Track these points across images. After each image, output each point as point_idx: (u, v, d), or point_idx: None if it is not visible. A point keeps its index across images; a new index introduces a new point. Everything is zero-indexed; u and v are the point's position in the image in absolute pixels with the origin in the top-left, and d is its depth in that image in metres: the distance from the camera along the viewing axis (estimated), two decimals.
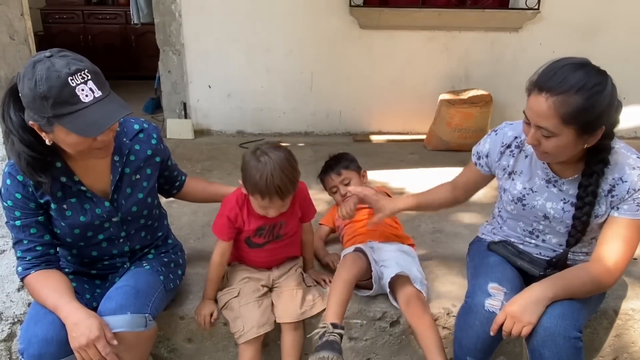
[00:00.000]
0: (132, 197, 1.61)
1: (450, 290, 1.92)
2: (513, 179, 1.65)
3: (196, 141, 4.26)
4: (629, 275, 2.00)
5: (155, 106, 5.16)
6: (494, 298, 1.53)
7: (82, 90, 1.27)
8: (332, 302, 1.71)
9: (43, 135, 1.34)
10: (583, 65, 1.36)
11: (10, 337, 1.84)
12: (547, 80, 1.35)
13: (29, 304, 1.79)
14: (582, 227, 1.53)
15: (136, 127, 1.63)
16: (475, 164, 1.75)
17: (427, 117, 4.14)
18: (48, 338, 1.39)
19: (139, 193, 1.62)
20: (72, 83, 1.25)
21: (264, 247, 1.81)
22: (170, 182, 1.84)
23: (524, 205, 1.63)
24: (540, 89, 1.36)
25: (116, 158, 1.56)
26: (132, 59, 6.59)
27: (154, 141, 1.65)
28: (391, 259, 1.84)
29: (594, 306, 1.62)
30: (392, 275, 1.73)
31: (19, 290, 1.79)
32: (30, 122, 1.32)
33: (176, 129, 4.29)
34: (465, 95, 4.01)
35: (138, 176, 1.62)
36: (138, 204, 1.62)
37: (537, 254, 1.68)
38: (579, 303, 1.46)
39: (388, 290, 1.76)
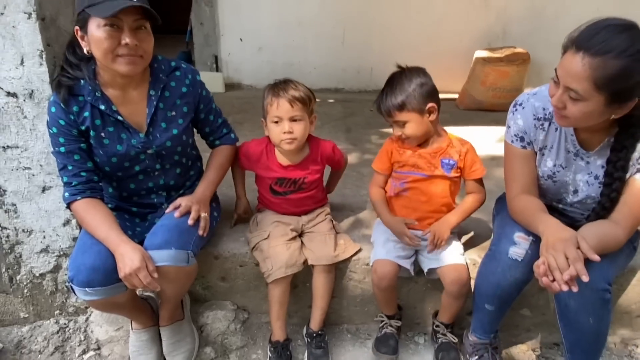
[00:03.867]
0: (167, 132, 1.67)
1: (476, 243, 1.95)
2: (544, 154, 1.58)
3: (227, 94, 4.30)
4: None
5: (187, 59, 5.18)
6: (519, 246, 1.53)
7: None
8: (380, 303, 1.84)
9: (83, 43, 1.49)
10: (629, 28, 1.25)
11: (56, 268, 1.96)
12: (587, 40, 1.25)
13: (74, 238, 1.90)
14: (610, 204, 1.46)
15: (173, 64, 1.69)
16: (524, 147, 1.58)
17: (461, 76, 4.06)
18: (95, 266, 1.48)
19: (174, 129, 1.68)
20: None
21: (288, 197, 1.87)
22: (212, 132, 1.86)
23: (554, 181, 1.60)
24: (578, 47, 1.26)
25: (152, 92, 1.63)
26: (163, 13, 6.56)
27: (188, 81, 1.69)
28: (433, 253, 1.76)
29: (623, 262, 1.61)
30: (432, 269, 1.74)
31: (64, 224, 1.90)
32: (75, 28, 1.48)
33: (207, 82, 4.20)
34: (502, 53, 3.90)
35: (174, 113, 1.68)
36: (172, 139, 1.68)
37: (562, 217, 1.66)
38: (608, 256, 1.43)
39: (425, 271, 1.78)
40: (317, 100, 1.85)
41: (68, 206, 1.61)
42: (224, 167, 1.87)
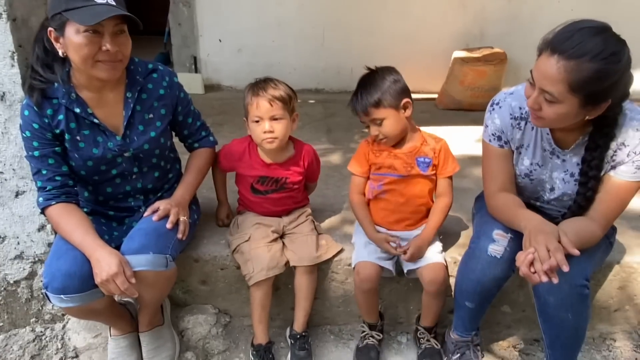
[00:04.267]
0: (144, 135, 1.64)
1: (456, 240, 1.96)
2: (520, 153, 1.59)
3: (206, 96, 4.25)
4: (634, 229, 2.02)
5: (165, 61, 5.11)
6: (498, 244, 1.55)
7: None
8: (362, 309, 1.83)
9: (58, 45, 1.44)
10: (603, 31, 1.26)
11: (31, 275, 1.92)
12: (561, 42, 1.26)
13: (49, 244, 1.86)
14: (586, 203, 1.49)
15: (150, 66, 1.66)
16: (502, 146, 1.59)
17: (439, 76, 4.09)
18: (71, 272, 1.44)
19: (152, 132, 1.66)
20: None
21: (268, 196, 1.85)
22: (191, 135, 1.84)
23: (531, 179, 1.62)
24: (553, 50, 1.27)
25: (129, 94, 1.60)
26: (141, 14, 6.48)
27: (165, 82, 1.67)
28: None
29: (600, 257, 1.65)
30: (411, 270, 1.75)
31: (39, 230, 1.85)
32: (49, 29, 1.42)
33: (186, 84, 4.18)
34: (480, 53, 3.95)
35: (151, 115, 1.65)
36: (150, 142, 1.65)
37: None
38: (586, 252, 1.45)
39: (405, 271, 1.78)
40: (298, 101, 1.84)
41: (42, 211, 1.57)
42: (203, 170, 1.84)
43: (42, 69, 1.49)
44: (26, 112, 1.51)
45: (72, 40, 1.40)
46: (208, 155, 1.87)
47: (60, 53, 1.45)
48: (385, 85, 1.62)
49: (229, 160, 1.88)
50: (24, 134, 1.53)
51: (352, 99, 1.68)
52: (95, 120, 1.56)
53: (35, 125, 1.51)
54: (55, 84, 1.51)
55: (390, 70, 1.67)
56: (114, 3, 1.41)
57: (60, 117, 1.52)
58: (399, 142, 1.72)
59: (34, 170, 1.56)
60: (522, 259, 1.33)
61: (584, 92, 1.28)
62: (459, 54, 4.00)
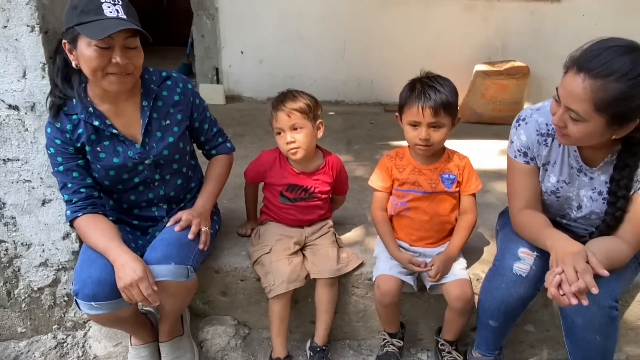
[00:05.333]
0: (162, 141, 1.66)
1: (479, 257, 1.93)
2: (547, 170, 1.57)
3: (227, 107, 4.30)
4: None
5: (187, 72, 5.21)
6: (523, 262, 1.52)
7: (109, 7, 1.41)
8: (382, 320, 1.81)
9: (72, 57, 1.47)
10: (632, 50, 1.24)
11: (55, 282, 1.94)
12: (588, 61, 1.24)
13: (74, 252, 1.88)
14: (615, 222, 1.46)
15: (164, 74, 1.69)
16: (528, 163, 1.57)
17: (461, 89, 4.00)
18: (101, 279, 1.46)
19: (170, 137, 1.67)
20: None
21: (296, 204, 1.87)
22: (207, 141, 1.85)
23: (558, 197, 1.59)
24: (580, 68, 1.25)
25: (144, 103, 1.63)
26: (164, 25, 6.63)
27: (179, 89, 1.69)
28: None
29: (629, 278, 1.60)
30: (434, 286, 1.72)
31: (64, 238, 1.88)
32: (64, 41, 1.47)
33: (208, 94, 4.32)
34: (502, 67, 3.93)
35: (168, 121, 1.68)
36: (169, 147, 1.67)
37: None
38: (614, 273, 1.42)
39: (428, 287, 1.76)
40: (321, 110, 1.85)
41: (71, 224, 1.60)
42: (222, 178, 1.86)
43: (62, 82, 1.54)
44: (49, 130, 1.56)
45: (84, 53, 1.43)
46: (226, 162, 1.88)
47: (74, 65, 1.49)
48: (453, 92, 1.59)
49: (258, 172, 1.90)
50: (49, 151, 1.57)
51: (419, 95, 1.56)
52: (115, 131, 1.59)
53: (58, 141, 1.55)
54: (74, 100, 1.54)
55: (449, 81, 1.61)
56: (124, 16, 1.42)
57: (80, 130, 1.56)
58: (429, 156, 1.70)
59: (60, 185, 1.59)
60: (550, 279, 1.30)
61: (610, 112, 1.25)
62: (481, 67, 3.98)
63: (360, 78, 4.39)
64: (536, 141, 1.54)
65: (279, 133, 1.78)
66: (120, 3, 1.43)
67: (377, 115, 4.18)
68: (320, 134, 1.82)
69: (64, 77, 1.54)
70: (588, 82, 1.24)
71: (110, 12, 1.40)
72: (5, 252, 1.87)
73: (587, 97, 1.25)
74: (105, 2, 1.40)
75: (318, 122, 1.81)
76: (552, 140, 1.53)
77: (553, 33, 4.14)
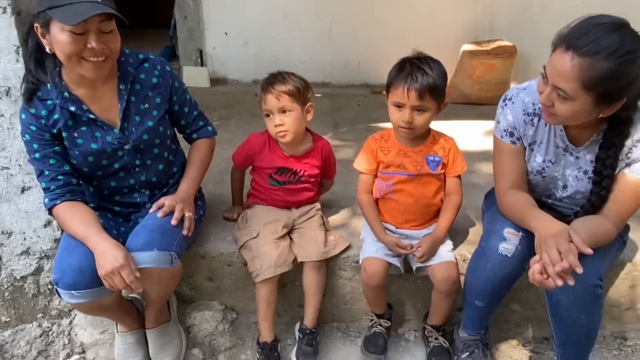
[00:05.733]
0: (142, 125, 1.63)
1: (465, 238, 1.93)
2: (533, 150, 1.56)
3: (212, 90, 4.23)
4: None
5: (171, 54, 5.10)
6: (509, 242, 1.52)
7: None
8: (370, 302, 1.82)
9: (45, 41, 1.41)
10: (620, 27, 1.22)
11: (38, 271, 1.91)
12: (577, 38, 1.23)
13: (56, 239, 1.85)
14: (600, 202, 1.46)
15: (141, 56, 1.64)
16: (514, 143, 1.56)
17: (448, 69, 4.01)
18: (82, 268, 1.43)
19: (149, 121, 1.64)
20: None
21: (284, 187, 1.86)
22: (188, 125, 1.81)
23: (543, 177, 1.59)
24: (568, 46, 1.24)
25: (122, 87, 1.58)
26: (146, 7, 6.47)
27: (157, 71, 1.65)
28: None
29: (613, 256, 1.62)
30: (420, 267, 1.72)
31: (45, 226, 1.84)
32: (35, 25, 1.41)
33: (192, 77, 4.26)
34: (489, 47, 3.90)
35: (147, 105, 1.63)
36: (149, 131, 1.64)
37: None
38: (599, 251, 1.43)
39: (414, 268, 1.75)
40: (312, 92, 1.83)
41: (49, 212, 1.56)
42: (205, 162, 1.82)
43: (35, 66, 1.48)
44: (23, 116, 1.51)
45: (57, 38, 1.38)
46: (208, 146, 1.85)
47: (47, 49, 1.43)
48: (441, 77, 1.55)
49: (247, 154, 1.88)
50: (24, 138, 1.53)
51: (406, 76, 1.52)
52: (92, 116, 1.55)
53: (33, 128, 1.50)
54: (48, 85, 1.49)
55: (440, 64, 1.58)
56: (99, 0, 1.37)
57: (56, 116, 1.51)
58: (414, 139, 1.68)
59: (38, 172, 1.55)
60: (534, 270, 1.31)
61: (598, 90, 1.24)
62: (468, 47, 3.95)
63: (347, 59, 4.34)
64: (522, 121, 1.53)
65: (268, 115, 1.76)
66: None
67: (364, 97, 4.15)
68: (310, 117, 1.80)
69: (37, 61, 1.48)
70: (576, 60, 1.23)
71: None
72: None
73: (575, 75, 1.23)
74: None
75: (308, 105, 1.78)
76: (539, 120, 1.52)
77: (540, 12, 4.11)
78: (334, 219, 2.05)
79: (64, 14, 1.33)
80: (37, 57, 1.48)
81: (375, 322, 1.82)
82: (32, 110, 1.49)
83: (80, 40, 1.38)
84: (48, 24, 1.37)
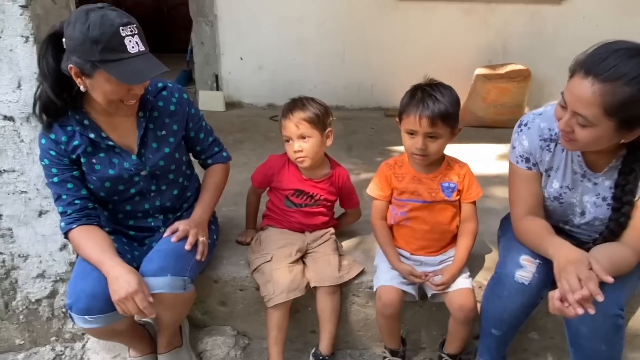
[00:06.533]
0: (159, 152, 1.65)
1: (481, 264, 1.90)
2: (549, 176, 1.54)
3: (227, 113, 4.29)
4: None
5: (187, 79, 5.21)
6: (525, 270, 1.49)
7: (130, 41, 1.36)
8: (383, 334, 1.79)
9: (79, 80, 1.41)
10: (638, 53, 1.22)
11: (53, 294, 1.92)
12: (596, 64, 1.22)
13: (71, 263, 1.86)
14: (619, 229, 1.44)
15: (160, 85, 1.67)
16: (530, 169, 1.55)
17: (461, 93, 3.98)
18: (95, 293, 1.44)
19: (166, 148, 1.66)
20: (123, 33, 1.35)
21: (301, 209, 1.87)
22: (203, 150, 1.83)
23: (561, 203, 1.56)
24: (587, 72, 1.23)
25: (140, 114, 1.61)
26: (164, 32, 6.63)
27: (175, 99, 1.67)
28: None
29: (634, 284, 1.57)
30: (435, 294, 1.70)
31: (61, 249, 1.86)
32: (70, 66, 1.39)
33: (208, 101, 4.33)
34: (503, 70, 3.90)
35: (164, 132, 1.66)
36: (165, 158, 1.66)
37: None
38: (619, 280, 1.38)
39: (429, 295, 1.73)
40: (332, 118, 1.85)
41: (65, 236, 1.58)
42: (219, 187, 1.84)
43: (53, 92, 1.45)
44: (43, 141, 1.53)
45: (101, 85, 1.40)
46: (223, 171, 1.87)
47: (81, 88, 1.43)
48: (453, 103, 1.55)
49: (265, 175, 1.90)
50: (42, 162, 1.55)
51: (417, 104, 1.52)
52: (110, 143, 1.57)
53: (52, 153, 1.52)
54: (69, 112, 1.51)
55: (452, 90, 1.58)
56: (143, 48, 1.39)
57: (76, 142, 1.53)
58: (428, 165, 1.67)
59: (55, 197, 1.57)
60: (554, 303, 1.28)
61: (620, 116, 1.23)
62: (482, 70, 3.96)
63: (360, 83, 4.37)
64: (539, 147, 1.52)
65: (288, 141, 1.78)
66: (137, 31, 1.39)
67: (378, 120, 4.16)
68: (329, 142, 1.82)
69: (57, 86, 1.46)
70: (597, 86, 1.22)
71: (133, 47, 1.36)
72: (2, 264, 1.86)
73: (597, 101, 1.22)
74: (126, 35, 1.35)
75: (327, 130, 1.80)
76: (555, 146, 1.50)
77: (553, 35, 4.12)
78: (347, 244, 2.04)
79: (121, 73, 1.35)
80: (59, 82, 1.46)
81: (388, 358, 1.78)
82: (52, 136, 1.52)
83: (126, 89, 1.42)
84: (93, 71, 1.37)
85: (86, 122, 1.53)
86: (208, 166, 1.87)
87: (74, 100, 1.50)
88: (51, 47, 1.42)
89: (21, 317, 1.94)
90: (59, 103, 1.47)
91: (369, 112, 4.43)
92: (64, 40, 1.38)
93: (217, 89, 4.43)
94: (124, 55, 1.35)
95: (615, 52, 1.22)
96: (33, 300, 1.92)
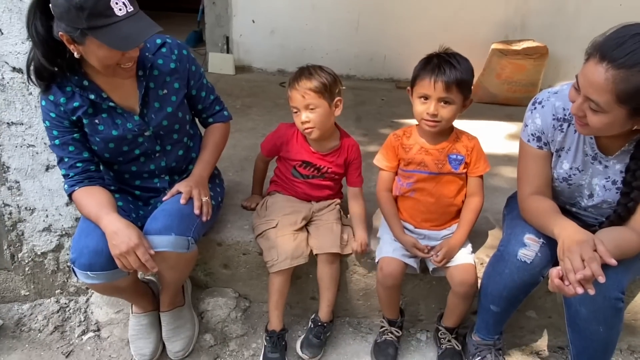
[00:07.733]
0: (161, 111, 1.63)
1: (484, 241, 1.90)
2: (560, 156, 1.53)
3: (237, 77, 4.24)
4: None
5: (198, 39, 5.12)
6: (529, 248, 1.49)
7: (117, 3, 1.31)
8: (382, 304, 1.79)
9: (72, 47, 1.37)
10: None
11: (58, 248, 1.95)
12: (612, 49, 1.19)
13: (77, 218, 1.88)
14: (626, 213, 1.42)
15: (158, 41, 1.62)
16: (541, 148, 1.53)
17: (475, 68, 3.91)
18: (98, 249, 1.45)
19: (168, 107, 1.64)
20: None
21: (307, 180, 1.85)
22: (205, 109, 1.80)
23: (569, 184, 1.55)
24: (603, 57, 1.19)
25: (140, 73, 1.57)
26: None
27: (174, 56, 1.63)
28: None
29: (637, 269, 1.57)
30: (437, 268, 1.70)
31: (67, 204, 1.87)
32: (60, 33, 1.34)
33: (217, 64, 4.26)
34: (519, 46, 3.80)
35: (165, 91, 1.63)
36: (168, 117, 1.64)
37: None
38: (623, 263, 1.38)
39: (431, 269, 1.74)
40: (342, 86, 1.80)
41: (69, 197, 1.58)
42: (219, 146, 1.82)
43: (50, 56, 1.40)
44: (43, 102, 1.51)
45: (94, 51, 1.36)
46: (223, 130, 1.85)
47: (75, 54, 1.39)
48: (469, 72, 1.54)
49: (275, 144, 1.88)
50: (45, 124, 1.54)
51: (433, 68, 1.51)
52: (112, 104, 1.55)
53: (52, 115, 1.50)
54: (67, 74, 1.47)
55: (467, 60, 1.56)
56: (133, 8, 1.33)
57: (76, 104, 1.51)
58: (436, 136, 1.65)
59: (58, 159, 1.57)
60: (554, 279, 1.28)
61: (632, 103, 1.20)
62: (498, 45, 3.86)
63: (373, 53, 4.28)
64: (552, 126, 1.49)
65: (296, 112, 1.75)
66: None
67: (389, 92, 4.10)
68: (338, 112, 1.78)
69: (52, 51, 1.40)
70: (611, 73, 1.18)
71: (120, 9, 1.30)
72: (9, 216, 1.88)
73: (609, 88, 1.19)
74: None
75: (336, 99, 1.75)
76: (568, 126, 1.48)
77: (575, 13, 3.98)
78: None
79: (112, 39, 1.31)
80: (52, 48, 1.39)
81: (387, 330, 1.80)
82: (51, 97, 1.48)
83: (120, 53, 1.37)
84: (83, 38, 1.32)
85: (85, 83, 1.50)
86: (209, 125, 1.85)
87: (70, 63, 1.45)
88: (39, 13, 1.36)
89: (27, 269, 1.97)
90: (53, 69, 1.43)
91: (380, 83, 4.36)
92: (50, 6, 1.33)
93: (228, 51, 4.36)
94: (112, 20, 1.30)
95: (632, 37, 1.18)
96: (39, 253, 1.95)
